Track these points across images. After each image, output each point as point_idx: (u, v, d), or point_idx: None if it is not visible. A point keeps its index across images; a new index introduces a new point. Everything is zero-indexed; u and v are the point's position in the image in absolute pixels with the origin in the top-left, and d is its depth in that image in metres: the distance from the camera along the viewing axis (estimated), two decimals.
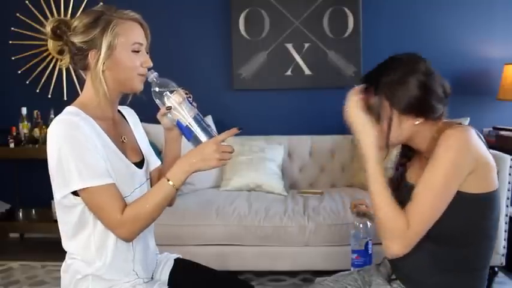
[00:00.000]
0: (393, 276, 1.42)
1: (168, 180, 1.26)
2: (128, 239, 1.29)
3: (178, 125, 1.32)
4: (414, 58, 1.29)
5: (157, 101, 1.34)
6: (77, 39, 1.30)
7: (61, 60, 1.44)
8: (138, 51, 1.33)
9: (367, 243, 1.61)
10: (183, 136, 1.39)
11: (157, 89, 1.32)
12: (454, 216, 1.23)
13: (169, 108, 1.31)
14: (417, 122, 1.28)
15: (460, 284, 1.29)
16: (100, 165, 1.24)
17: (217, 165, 1.26)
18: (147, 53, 1.38)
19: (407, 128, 1.29)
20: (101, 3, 3.41)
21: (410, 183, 1.37)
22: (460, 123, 1.29)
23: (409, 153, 1.43)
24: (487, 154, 1.25)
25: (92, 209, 1.26)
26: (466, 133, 1.22)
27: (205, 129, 1.30)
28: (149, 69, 1.35)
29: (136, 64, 1.33)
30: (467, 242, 1.25)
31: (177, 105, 1.30)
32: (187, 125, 1.30)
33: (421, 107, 1.26)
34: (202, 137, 1.29)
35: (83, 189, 1.23)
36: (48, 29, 1.34)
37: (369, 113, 1.28)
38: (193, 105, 1.33)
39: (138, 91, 1.38)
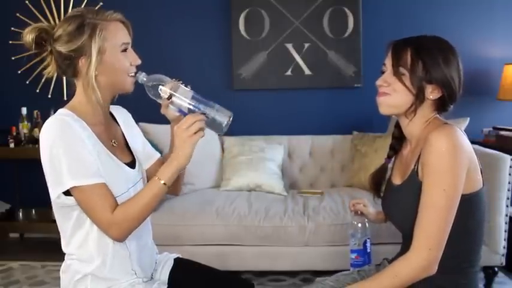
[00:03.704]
0: None
1: (159, 179, 1.25)
2: (119, 239, 1.28)
3: (182, 112, 1.31)
4: (455, 48, 1.33)
5: (157, 100, 1.34)
6: (63, 48, 1.28)
7: (44, 69, 1.40)
8: (126, 51, 1.33)
9: (365, 242, 1.60)
10: None
11: (150, 84, 1.31)
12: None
13: (169, 98, 1.30)
14: (431, 97, 1.29)
15: (449, 283, 1.29)
16: (91, 165, 1.24)
17: (194, 140, 1.23)
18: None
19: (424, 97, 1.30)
20: (101, 3, 3.43)
21: (395, 184, 1.41)
22: (446, 123, 1.29)
23: (397, 147, 1.47)
24: (474, 153, 1.26)
25: (83, 208, 1.26)
26: (454, 135, 1.21)
27: (207, 104, 1.28)
28: (136, 72, 1.35)
29: (126, 65, 1.33)
30: (450, 241, 1.24)
31: (173, 93, 1.29)
32: (189, 108, 1.29)
33: (447, 87, 1.28)
34: (208, 112, 1.27)
35: (75, 188, 1.22)
36: (28, 38, 1.29)
37: (397, 70, 1.29)
38: (187, 88, 1.31)
39: (129, 92, 1.37)
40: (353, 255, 1.62)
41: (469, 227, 1.28)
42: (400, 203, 1.36)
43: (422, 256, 1.22)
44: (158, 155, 1.58)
